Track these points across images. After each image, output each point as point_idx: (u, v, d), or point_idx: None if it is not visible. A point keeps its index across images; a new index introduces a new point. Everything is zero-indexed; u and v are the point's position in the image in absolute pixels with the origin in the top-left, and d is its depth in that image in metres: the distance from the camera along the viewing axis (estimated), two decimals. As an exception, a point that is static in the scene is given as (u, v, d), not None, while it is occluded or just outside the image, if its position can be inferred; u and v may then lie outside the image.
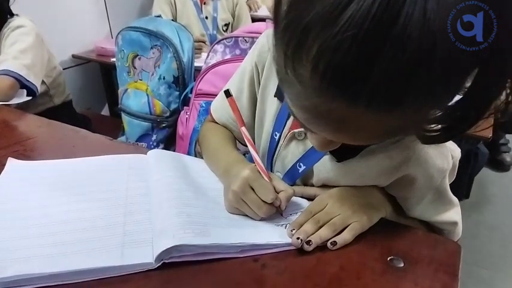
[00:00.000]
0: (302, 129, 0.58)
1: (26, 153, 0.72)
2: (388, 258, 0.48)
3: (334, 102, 0.33)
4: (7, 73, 1.21)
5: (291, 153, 0.61)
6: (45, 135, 0.85)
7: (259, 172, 0.55)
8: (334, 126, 0.38)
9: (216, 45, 1.11)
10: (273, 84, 0.63)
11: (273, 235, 0.51)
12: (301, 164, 0.59)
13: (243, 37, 1.06)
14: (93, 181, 0.62)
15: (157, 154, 0.68)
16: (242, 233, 0.51)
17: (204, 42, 1.93)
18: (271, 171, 0.66)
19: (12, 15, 1.36)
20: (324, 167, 0.57)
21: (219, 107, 0.73)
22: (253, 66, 0.65)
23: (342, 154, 0.54)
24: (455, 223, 0.61)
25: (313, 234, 0.50)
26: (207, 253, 0.47)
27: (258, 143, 0.69)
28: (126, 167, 0.66)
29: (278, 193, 0.53)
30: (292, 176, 0.62)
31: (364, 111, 0.33)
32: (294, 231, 0.50)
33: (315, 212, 0.53)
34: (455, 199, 0.61)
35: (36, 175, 0.63)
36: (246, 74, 0.67)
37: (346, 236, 0.50)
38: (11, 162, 0.67)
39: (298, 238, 0.49)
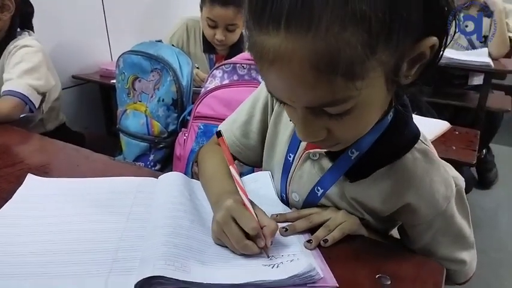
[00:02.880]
0: (316, 150, 0.62)
1: (31, 171, 0.74)
2: (377, 276, 0.52)
3: (262, 34, 0.40)
4: (12, 93, 1.20)
5: (306, 172, 0.64)
6: (49, 154, 0.88)
7: (244, 205, 0.56)
8: (270, 65, 0.42)
9: (215, 71, 1.16)
10: None
11: (255, 275, 0.48)
12: (318, 187, 0.63)
13: (241, 64, 1.11)
14: (99, 202, 0.64)
15: (168, 178, 0.69)
16: (223, 274, 0.49)
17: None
18: (287, 192, 0.68)
19: (24, 28, 1.36)
20: (337, 188, 0.61)
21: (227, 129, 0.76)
22: (268, 93, 0.70)
23: (354, 175, 0.59)
24: (463, 262, 0.62)
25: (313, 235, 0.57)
26: None
27: (269, 163, 0.73)
28: (135, 190, 0.68)
29: (262, 228, 0.53)
30: (313, 200, 0.64)
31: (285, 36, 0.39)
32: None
33: (312, 217, 0.60)
34: (470, 236, 0.62)
35: (48, 192, 0.67)
36: (260, 101, 0.72)
37: (335, 234, 0.57)
38: (30, 178, 0.71)
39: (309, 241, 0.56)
